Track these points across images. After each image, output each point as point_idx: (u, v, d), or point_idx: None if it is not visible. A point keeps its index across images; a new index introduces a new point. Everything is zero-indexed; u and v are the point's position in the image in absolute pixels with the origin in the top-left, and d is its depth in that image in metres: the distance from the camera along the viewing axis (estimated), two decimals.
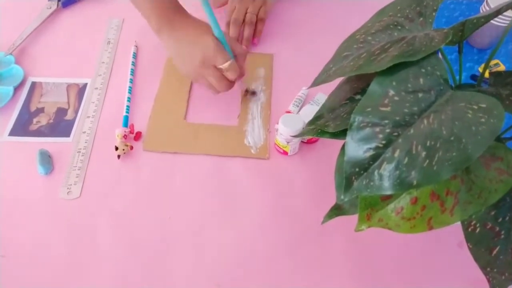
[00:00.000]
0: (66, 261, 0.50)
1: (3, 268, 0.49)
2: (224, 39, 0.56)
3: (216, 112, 0.63)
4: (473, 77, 0.70)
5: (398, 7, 0.38)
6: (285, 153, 0.59)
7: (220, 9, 0.77)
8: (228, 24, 0.72)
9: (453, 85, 0.40)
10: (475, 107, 0.30)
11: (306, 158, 0.60)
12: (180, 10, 0.59)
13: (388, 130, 0.32)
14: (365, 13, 0.45)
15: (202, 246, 0.51)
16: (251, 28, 0.71)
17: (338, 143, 0.38)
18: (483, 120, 0.29)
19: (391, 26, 0.37)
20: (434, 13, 0.35)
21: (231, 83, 0.59)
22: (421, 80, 0.32)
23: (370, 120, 0.33)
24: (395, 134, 0.32)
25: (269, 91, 0.66)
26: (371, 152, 0.32)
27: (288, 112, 0.63)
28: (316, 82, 0.40)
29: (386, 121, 0.33)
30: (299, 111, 0.63)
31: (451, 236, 0.52)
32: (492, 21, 0.67)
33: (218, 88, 0.59)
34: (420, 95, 0.32)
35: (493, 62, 0.72)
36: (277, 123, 0.56)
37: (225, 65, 0.55)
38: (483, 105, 0.30)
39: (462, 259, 0.50)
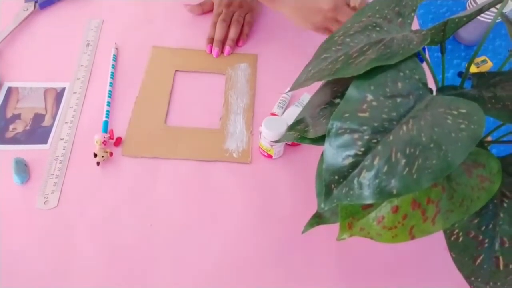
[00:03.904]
0: (45, 273, 0.48)
1: None
2: None
3: (198, 114, 0.62)
4: (461, 74, 0.69)
5: (377, 7, 0.37)
6: (270, 156, 0.58)
7: (200, 18, 0.75)
8: (214, 25, 0.71)
9: (435, 86, 0.39)
10: (455, 112, 0.29)
11: (291, 161, 0.58)
12: None
13: (366, 137, 0.31)
14: None
15: (184, 253, 0.50)
16: (238, 28, 0.70)
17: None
18: (463, 126, 0.28)
19: (370, 27, 0.35)
20: (413, 14, 0.34)
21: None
22: (399, 84, 0.31)
23: (348, 126, 0.32)
24: (374, 141, 0.31)
25: (253, 92, 0.65)
26: (350, 160, 0.31)
27: (273, 114, 0.62)
28: (294, 87, 0.39)
29: (365, 128, 0.31)
30: (283, 112, 0.62)
31: (438, 239, 0.51)
32: (478, 17, 0.66)
33: None
34: (398, 100, 0.31)
35: (480, 58, 0.71)
36: (261, 126, 0.55)
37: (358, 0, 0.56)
38: (463, 111, 0.29)
39: (449, 263, 0.49)
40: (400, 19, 0.34)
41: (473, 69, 0.54)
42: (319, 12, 0.56)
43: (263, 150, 0.58)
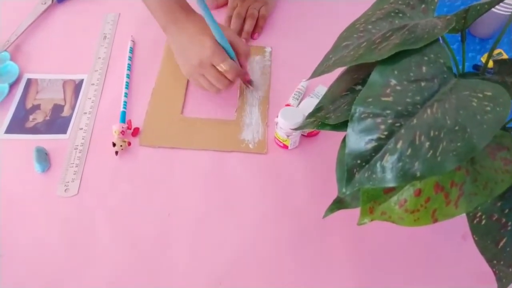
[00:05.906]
0: (65, 259, 0.49)
1: (1, 267, 0.48)
2: (223, 40, 0.55)
3: (214, 106, 0.63)
4: (475, 67, 0.69)
5: None
6: (286, 147, 0.58)
7: (215, 12, 0.75)
8: (229, 18, 0.72)
9: (456, 74, 0.39)
10: (480, 95, 0.29)
11: (307, 151, 0.59)
12: (186, 8, 0.59)
13: (390, 121, 0.31)
14: (367, 3, 0.43)
15: (202, 243, 0.51)
16: (253, 22, 0.71)
17: (340, 135, 0.37)
18: (488, 108, 0.28)
19: (392, 14, 0.36)
20: None
21: (230, 82, 0.58)
22: (423, 68, 0.31)
23: (372, 110, 0.32)
24: (398, 124, 0.31)
25: (268, 84, 0.65)
26: (373, 144, 0.32)
27: (288, 105, 0.62)
28: (316, 73, 0.39)
29: (388, 112, 0.32)
30: (299, 104, 0.62)
31: (455, 228, 0.51)
32: (494, 10, 0.66)
33: (218, 86, 0.58)
34: (423, 84, 0.31)
35: (496, 51, 0.70)
36: (277, 117, 0.55)
37: (222, 65, 0.55)
38: (489, 93, 0.29)
39: (467, 251, 0.49)
40: (423, 5, 0.35)
41: (489, 62, 0.54)
42: (189, 63, 0.57)
43: (279, 141, 0.58)
